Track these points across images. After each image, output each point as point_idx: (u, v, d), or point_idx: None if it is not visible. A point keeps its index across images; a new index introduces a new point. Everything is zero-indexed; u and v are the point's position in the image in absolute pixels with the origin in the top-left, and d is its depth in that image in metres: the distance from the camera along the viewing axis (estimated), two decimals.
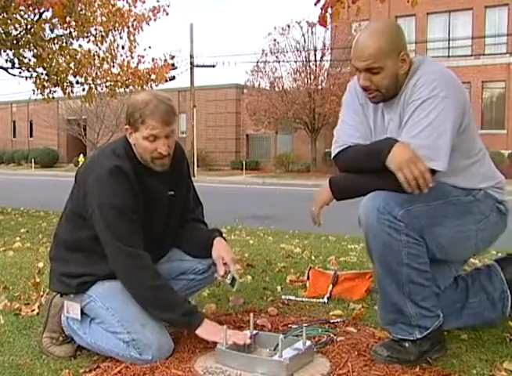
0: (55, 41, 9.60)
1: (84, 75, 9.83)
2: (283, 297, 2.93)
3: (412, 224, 1.93)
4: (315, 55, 25.25)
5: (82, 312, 2.18)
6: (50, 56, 9.25)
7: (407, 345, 2.00)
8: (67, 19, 9.00)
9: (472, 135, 2.08)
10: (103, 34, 9.78)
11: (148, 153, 2.14)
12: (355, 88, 2.16)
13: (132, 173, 2.13)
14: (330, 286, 2.94)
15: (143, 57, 10.66)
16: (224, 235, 2.37)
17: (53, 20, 9.17)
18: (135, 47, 10.35)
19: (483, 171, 2.14)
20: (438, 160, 1.89)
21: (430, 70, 2.00)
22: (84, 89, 10.30)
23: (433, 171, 1.89)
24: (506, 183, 2.21)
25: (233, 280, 2.22)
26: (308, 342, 2.02)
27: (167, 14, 10.40)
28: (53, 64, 9.35)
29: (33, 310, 2.72)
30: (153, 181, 2.21)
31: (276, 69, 25.88)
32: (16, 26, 9.02)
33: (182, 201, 2.36)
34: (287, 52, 25.44)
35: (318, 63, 25.20)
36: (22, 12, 8.94)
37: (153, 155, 2.13)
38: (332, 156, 2.19)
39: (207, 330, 2.07)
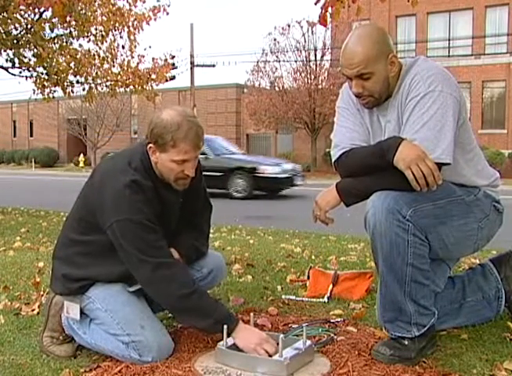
0: (56, 41, 9.61)
1: (85, 75, 9.85)
2: (283, 296, 2.93)
3: (419, 224, 1.93)
4: (316, 54, 25.26)
5: (82, 313, 2.17)
6: (50, 56, 9.26)
7: (406, 342, 2.01)
8: (67, 18, 9.00)
9: (468, 129, 2.10)
10: (103, 33, 9.80)
11: (173, 175, 2.10)
12: (348, 93, 2.15)
13: (150, 188, 2.08)
14: (330, 285, 2.94)
15: (143, 57, 10.72)
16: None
17: (53, 20, 9.19)
18: (135, 47, 10.39)
19: (480, 167, 2.17)
20: (444, 152, 1.89)
21: (424, 68, 2.01)
22: (84, 89, 10.34)
23: (439, 166, 1.88)
24: (499, 179, 2.25)
25: None
26: (309, 342, 2.02)
27: (167, 14, 10.43)
28: (53, 64, 9.36)
29: (33, 310, 2.71)
30: (168, 194, 2.18)
31: (276, 68, 25.92)
32: (16, 25, 9.03)
33: (191, 206, 2.34)
34: (287, 51, 25.46)
35: (318, 62, 25.20)
36: (22, 12, 8.95)
37: (178, 176, 2.10)
38: (333, 160, 2.16)
39: (242, 339, 2.01)
